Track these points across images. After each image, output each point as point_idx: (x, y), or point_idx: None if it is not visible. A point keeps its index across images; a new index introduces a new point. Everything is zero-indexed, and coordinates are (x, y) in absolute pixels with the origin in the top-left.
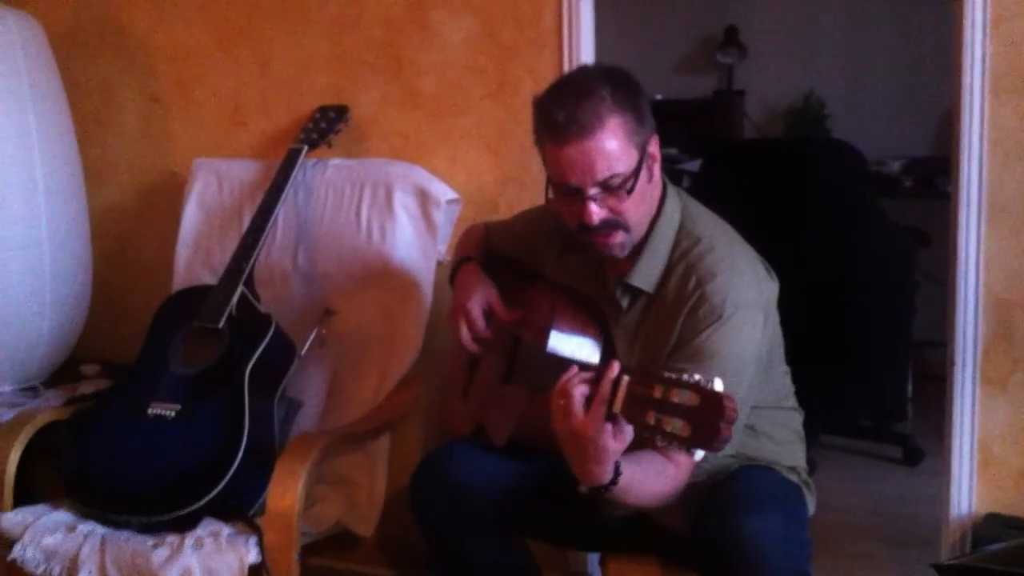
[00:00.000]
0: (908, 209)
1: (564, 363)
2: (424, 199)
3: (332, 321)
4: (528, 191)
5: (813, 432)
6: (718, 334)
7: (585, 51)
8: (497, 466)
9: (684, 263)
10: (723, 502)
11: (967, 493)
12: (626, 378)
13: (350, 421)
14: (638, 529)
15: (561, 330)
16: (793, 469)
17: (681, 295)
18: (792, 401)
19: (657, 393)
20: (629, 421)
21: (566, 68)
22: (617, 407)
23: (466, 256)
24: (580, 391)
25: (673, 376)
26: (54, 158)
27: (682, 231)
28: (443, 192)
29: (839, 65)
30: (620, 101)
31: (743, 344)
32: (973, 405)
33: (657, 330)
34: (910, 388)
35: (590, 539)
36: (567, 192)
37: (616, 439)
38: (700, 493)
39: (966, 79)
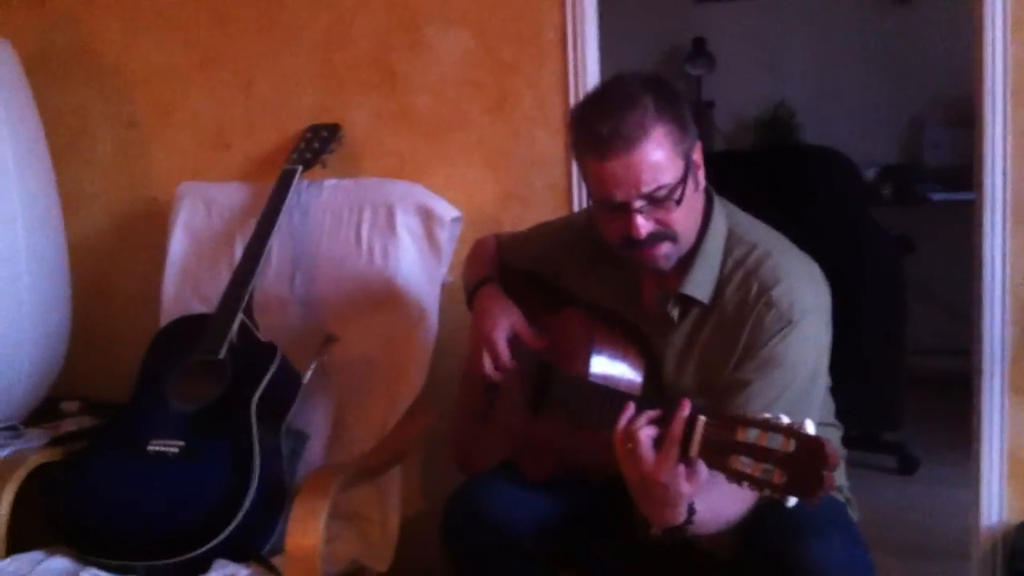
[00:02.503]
0: (887, 216)
1: (610, 393)
2: (428, 218)
3: (334, 348)
4: (531, 208)
5: None
6: (786, 341)
7: (591, 65)
8: (536, 500)
9: (742, 271)
10: (778, 526)
11: (997, 503)
12: (702, 418)
13: (358, 453)
14: (676, 555)
15: (602, 356)
16: (839, 489)
17: (744, 304)
18: (833, 417)
19: (741, 436)
20: (711, 467)
21: (571, 82)
22: (694, 451)
23: (484, 277)
24: (647, 433)
25: (759, 418)
26: (31, 189)
27: (732, 238)
28: (447, 211)
29: (808, 74)
30: (663, 110)
31: (813, 350)
32: (1002, 413)
33: (717, 343)
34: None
35: (625, 568)
36: (611, 207)
37: (690, 481)
38: (746, 516)
39: (988, 82)
